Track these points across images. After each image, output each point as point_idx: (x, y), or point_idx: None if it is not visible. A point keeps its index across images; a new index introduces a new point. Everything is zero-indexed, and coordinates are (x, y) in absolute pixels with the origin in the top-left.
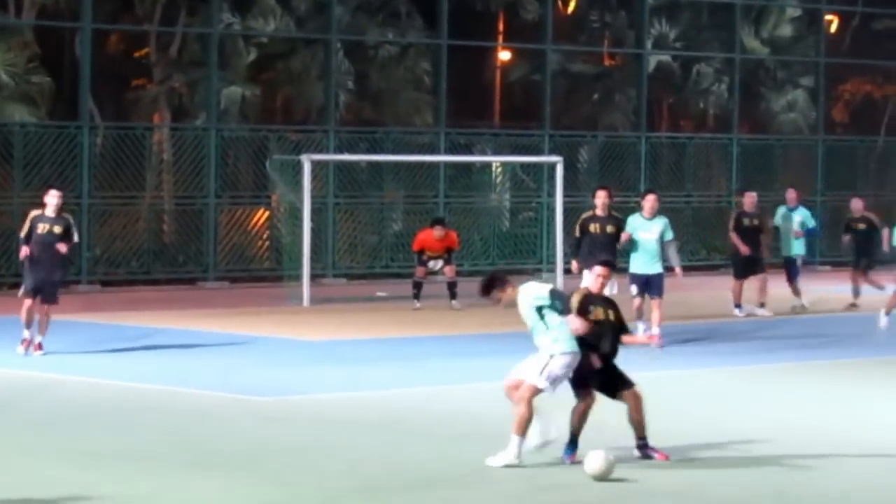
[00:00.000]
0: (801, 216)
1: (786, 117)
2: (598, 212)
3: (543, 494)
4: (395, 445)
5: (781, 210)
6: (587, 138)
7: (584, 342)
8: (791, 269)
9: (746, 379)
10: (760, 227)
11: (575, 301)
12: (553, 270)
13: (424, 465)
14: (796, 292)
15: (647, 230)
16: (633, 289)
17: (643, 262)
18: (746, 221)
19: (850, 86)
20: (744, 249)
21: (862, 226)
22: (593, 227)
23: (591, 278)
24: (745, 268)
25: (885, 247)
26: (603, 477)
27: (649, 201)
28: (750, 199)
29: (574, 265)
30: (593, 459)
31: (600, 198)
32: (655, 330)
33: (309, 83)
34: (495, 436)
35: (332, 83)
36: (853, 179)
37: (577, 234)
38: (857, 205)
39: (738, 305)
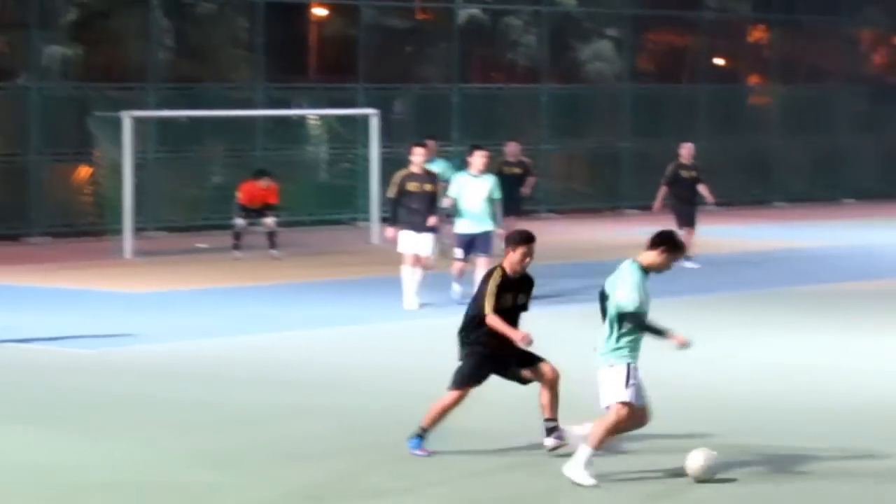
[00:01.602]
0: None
1: (593, 67)
2: (415, 169)
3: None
4: (220, 393)
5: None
6: (401, 90)
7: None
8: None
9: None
10: (699, 177)
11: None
12: (368, 220)
13: (251, 411)
14: None
15: (476, 187)
16: (457, 251)
17: (470, 222)
18: (685, 173)
19: (655, 36)
20: (656, 206)
21: (516, 170)
22: (412, 186)
23: (513, 258)
24: (684, 218)
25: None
26: (707, 476)
27: (478, 157)
28: (687, 150)
29: (390, 232)
30: (695, 458)
31: (417, 155)
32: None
33: (129, 41)
34: (317, 382)
35: (152, 41)
36: (659, 126)
37: (395, 194)
38: (511, 149)
39: (686, 258)
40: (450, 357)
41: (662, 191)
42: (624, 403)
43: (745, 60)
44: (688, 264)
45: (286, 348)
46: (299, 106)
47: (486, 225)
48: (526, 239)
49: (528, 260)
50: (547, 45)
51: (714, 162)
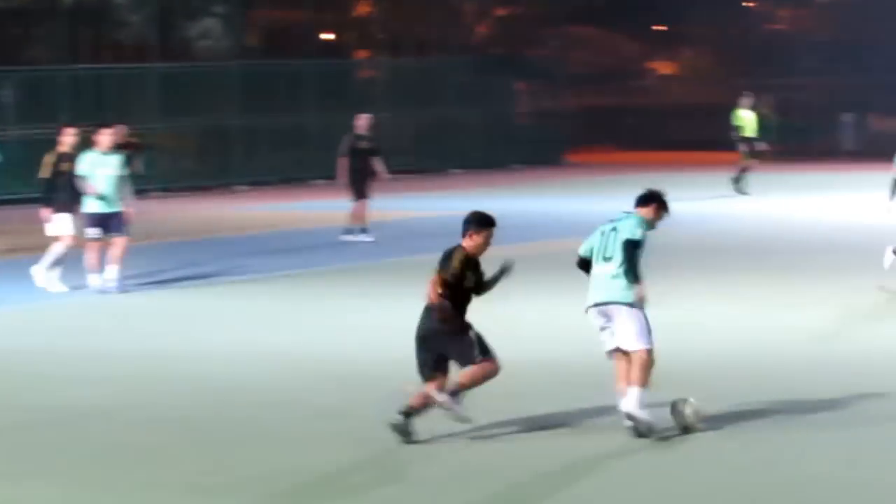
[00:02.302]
0: None
1: (201, 44)
2: (68, 149)
3: None
4: None
5: None
6: (8, 73)
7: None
8: None
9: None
10: (375, 148)
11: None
12: None
13: None
14: None
15: (105, 166)
16: (94, 231)
17: (101, 201)
18: (361, 144)
19: (263, 12)
20: (341, 179)
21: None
22: (66, 166)
23: (477, 240)
24: (363, 190)
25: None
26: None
27: (105, 136)
28: (363, 122)
29: (46, 213)
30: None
31: (69, 135)
32: (113, 270)
33: None
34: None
35: None
36: (268, 103)
37: (49, 174)
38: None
39: (363, 230)
40: (81, 340)
41: (341, 163)
42: (649, 350)
43: (352, 34)
44: (363, 237)
45: None
46: None
47: (117, 204)
48: (491, 222)
49: (490, 242)
50: (155, 24)
51: (321, 137)
